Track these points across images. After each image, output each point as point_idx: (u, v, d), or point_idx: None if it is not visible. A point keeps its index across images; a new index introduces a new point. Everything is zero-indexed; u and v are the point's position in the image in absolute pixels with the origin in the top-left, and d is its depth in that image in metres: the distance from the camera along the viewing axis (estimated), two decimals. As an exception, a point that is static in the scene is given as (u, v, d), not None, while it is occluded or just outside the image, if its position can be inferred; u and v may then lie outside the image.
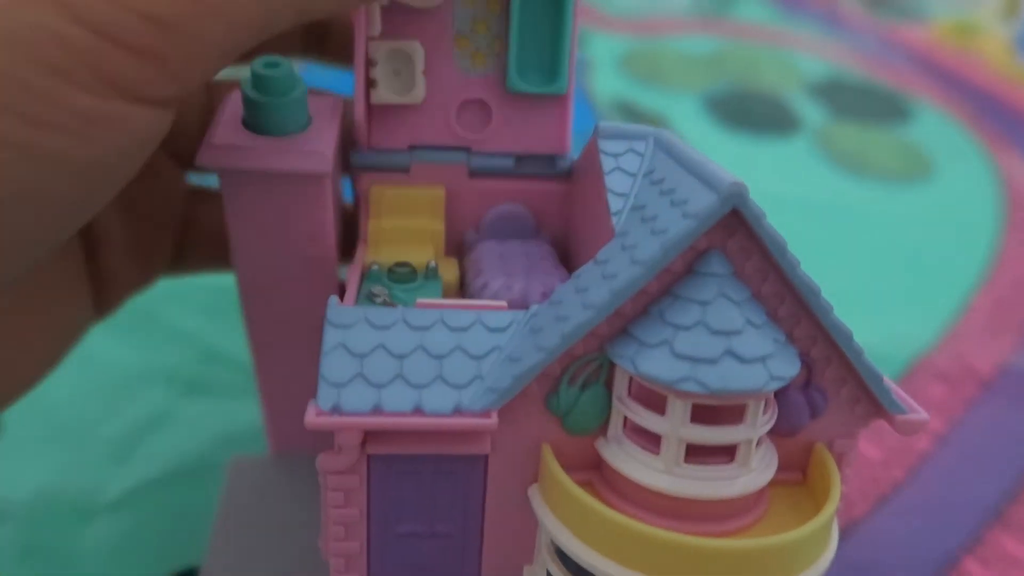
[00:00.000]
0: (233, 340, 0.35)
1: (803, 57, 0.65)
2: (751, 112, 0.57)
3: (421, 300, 0.20)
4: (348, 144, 0.25)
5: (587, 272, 0.19)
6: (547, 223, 0.26)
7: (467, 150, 0.26)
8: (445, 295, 0.24)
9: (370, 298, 0.22)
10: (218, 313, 0.37)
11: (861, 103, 0.60)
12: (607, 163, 0.22)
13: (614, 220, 0.20)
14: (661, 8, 0.70)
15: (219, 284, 0.33)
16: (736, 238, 0.18)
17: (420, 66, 0.24)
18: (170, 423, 0.32)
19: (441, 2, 0.23)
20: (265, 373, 0.27)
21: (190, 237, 0.27)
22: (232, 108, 0.23)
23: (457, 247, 0.26)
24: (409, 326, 0.19)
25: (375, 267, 0.23)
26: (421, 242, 0.25)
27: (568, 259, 0.26)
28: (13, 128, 0.16)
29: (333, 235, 0.23)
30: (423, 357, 0.19)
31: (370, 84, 0.24)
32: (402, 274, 0.23)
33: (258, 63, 0.21)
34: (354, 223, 0.26)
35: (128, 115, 0.17)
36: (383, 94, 0.24)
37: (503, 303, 0.20)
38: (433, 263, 0.23)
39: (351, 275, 0.23)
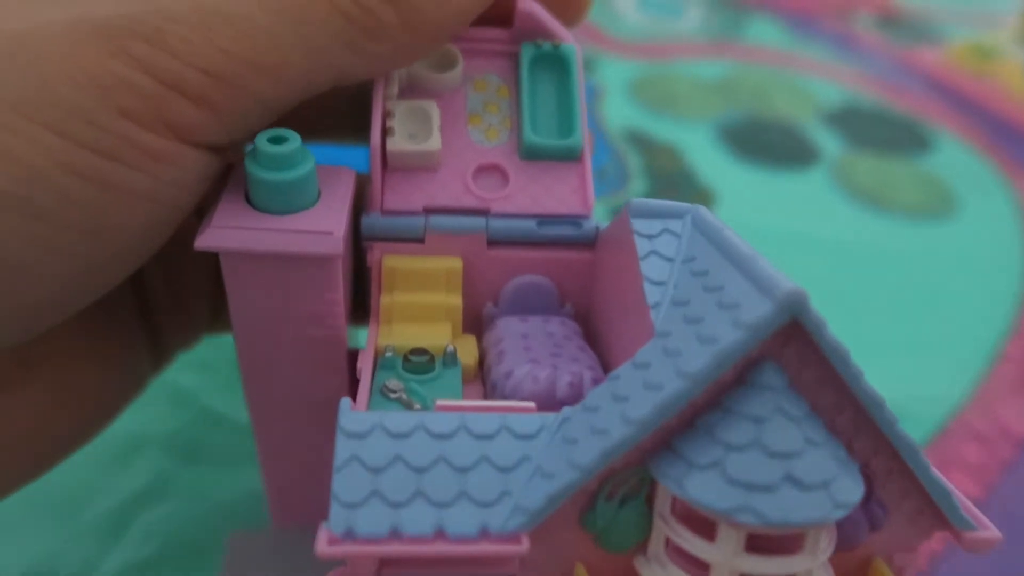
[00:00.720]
0: (233, 400, 0.34)
1: (817, 82, 0.63)
2: (766, 142, 0.55)
3: (441, 401, 0.19)
4: (360, 209, 0.24)
5: (626, 377, 0.17)
6: (571, 295, 0.25)
7: (485, 212, 0.24)
8: (464, 379, 0.22)
9: (385, 394, 0.20)
10: (217, 368, 0.35)
11: (878, 132, 0.58)
12: (641, 246, 0.20)
13: (652, 314, 0.18)
14: (671, 31, 0.68)
15: (217, 336, 0.31)
16: (792, 346, 0.16)
17: (437, 122, 0.24)
18: (168, 493, 0.31)
19: (455, 87, 0.25)
20: (268, 450, 0.25)
21: (222, 298, 0.27)
22: (236, 185, 0.21)
23: (475, 321, 0.24)
24: (429, 434, 0.18)
25: (389, 353, 0.21)
26: (437, 319, 0.23)
27: (593, 337, 0.24)
28: (88, 160, 0.18)
29: (343, 316, 0.22)
30: (445, 470, 0.17)
31: (386, 132, 0.23)
32: (418, 364, 0.21)
33: (263, 138, 0.20)
34: (364, 275, 0.25)
35: (183, 154, 0.19)
36: (398, 141, 0.23)
37: (531, 404, 0.19)
38: (451, 347, 0.22)
39: (364, 361, 0.21)
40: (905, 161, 0.56)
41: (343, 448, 0.17)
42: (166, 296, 0.26)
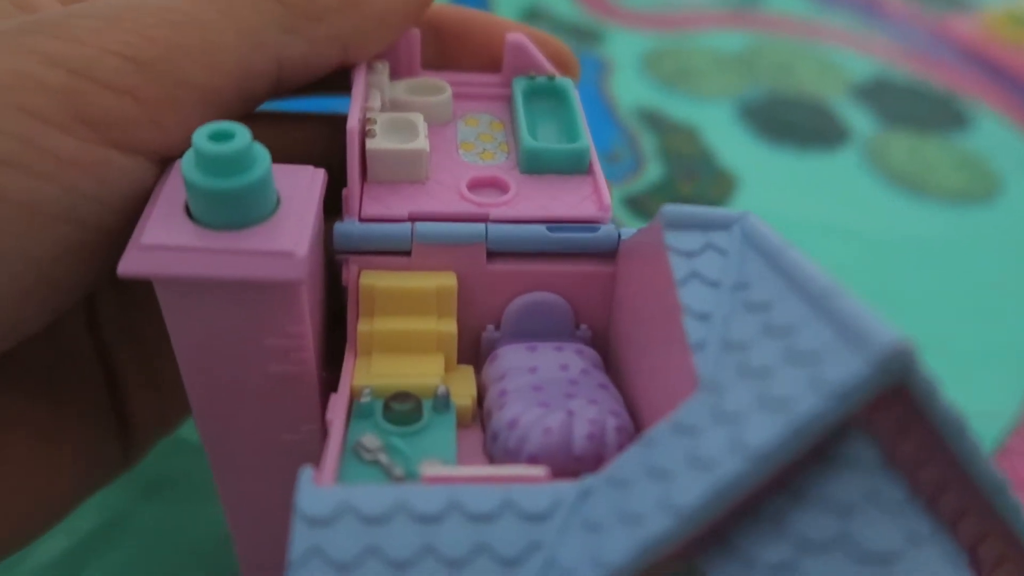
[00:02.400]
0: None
1: (844, 54, 0.59)
2: (792, 121, 0.51)
3: (428, 469, 0.15)
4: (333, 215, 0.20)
5: (664, 444, 0.14)
6: (587, 315, 0.21)
7: (484, 219, 0.20)
8: (461, 424, 0.18)
9: (359, 454, 0.16)
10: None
11: (913, 107, 0.54)
12: (679, 267, 0.16)
13: (695, 360, 0.15)
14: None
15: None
16: (890, 412, 0.12)
17: (424, 130, 0.21)
18: (126, 533, 0.27)
19: (444, 121, 0.23)
20: (233, 504, 0.21)
21: None
22: (172, 192, 0.17)
23: (473, 347, 0.21)
24: (413, 517, 0.14)
25: (367, 395, 0.17)
26: (427, 350, 0.19)
27: (615, 366, 0.20)
28: None
29: (311, 349, 0.18)
30: (433, 566, 0.13)
31: (366, 134, 0.20)
32: (402, 413, 0.17)
33: (201, 134, 0.16)
34: (342, 293, 0.21)
35: (108, 160, 0.16)
36: (380, 141, 0.20)
37: (540, 472, 0.15)
38: (443, 388, 0.18)
39: (335, 407, 0.17)
40: (942, 139, 0.51)
41: (301, 538, 0.13)
42: (134, 363, 0.22)
